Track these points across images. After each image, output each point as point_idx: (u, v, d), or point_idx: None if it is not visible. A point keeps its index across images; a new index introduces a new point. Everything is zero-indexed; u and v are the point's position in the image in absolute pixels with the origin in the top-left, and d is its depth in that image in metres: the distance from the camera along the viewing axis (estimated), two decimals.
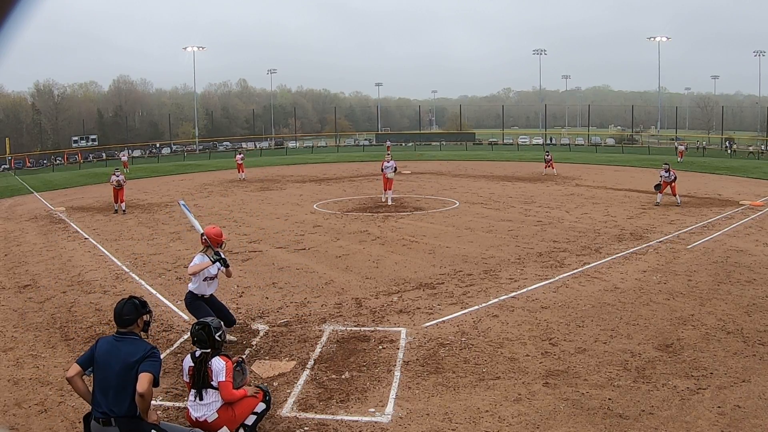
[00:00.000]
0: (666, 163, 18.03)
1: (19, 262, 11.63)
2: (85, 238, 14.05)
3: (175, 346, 6.71)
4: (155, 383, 3.81)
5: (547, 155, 29.80)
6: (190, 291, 6.42)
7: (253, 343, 6.74)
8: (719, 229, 13.32)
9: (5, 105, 74.72)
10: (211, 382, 4.45)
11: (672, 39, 79.94)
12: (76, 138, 69.63)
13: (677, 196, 17.23)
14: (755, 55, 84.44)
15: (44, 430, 4.82)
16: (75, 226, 15.96)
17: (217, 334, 4.57)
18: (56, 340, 7.03)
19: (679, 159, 36.73)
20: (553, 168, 28.53)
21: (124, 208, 18.49)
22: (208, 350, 4.52)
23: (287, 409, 5.11)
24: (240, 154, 31.31)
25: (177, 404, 5.23)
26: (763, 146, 48.76)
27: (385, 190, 18.71)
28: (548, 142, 68.62)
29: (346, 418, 4.93)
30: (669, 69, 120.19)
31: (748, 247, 11.39)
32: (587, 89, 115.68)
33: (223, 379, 4.45)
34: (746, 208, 16.60)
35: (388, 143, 54.64)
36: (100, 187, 29.51)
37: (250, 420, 4.59)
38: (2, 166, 52.57)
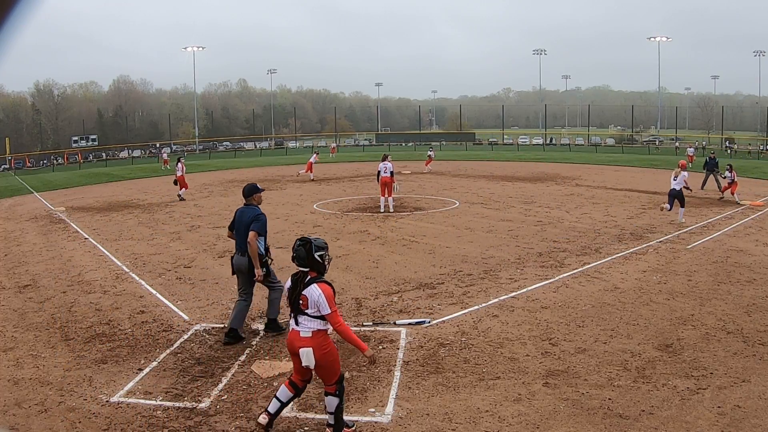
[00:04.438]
0: (729, 164, 18.91)
1: (19, 262, 11.63)
2: (85, 238, 14.05)
3: (175, 346, 6.71)
4: (257, 230, 6.67)
5: (431, 151, 32.51)
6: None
7: (253, 343, 6.74)
8: (719, 229, 13.32)
9: (5, 105, 74.76)
10: (306, 311, 4.30)
11: (672, 39, 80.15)
12: (76, 138, 69.68)
13: (735, 194, 17.90)
14: (755, 55, 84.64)
15: (44, 430, 4.82)
16: (75, 226, 15.96)
17: (317, 254, 4.38)
18: (56, 340, 7.03)
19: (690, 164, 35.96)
20: (428, 165, 30.77)
21: (181, 196, 20.94)
22: (306, 269, 4.37)
23: (287, 409, 5.10)
24: (316, 153, 30.54)
25: (177, 404, 5.22)
26: (762, 146, 48.70)
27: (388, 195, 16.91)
28: (548, 142, 68.68)
29: (346, 418, 4.91)
30: (669, 69, 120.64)
31: (748, 247, 11.39)
32: (587, 89, 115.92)
33: (329, 311, 4.24)
34: (746, 208, 16.60)
35: (333, 145, 55.05)
36: (100, 187, 29.54)
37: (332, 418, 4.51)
38: (2, 166, 52.63)
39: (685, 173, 14.28)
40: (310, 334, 4.32)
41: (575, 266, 9.98)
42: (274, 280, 7.00)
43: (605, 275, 9.39)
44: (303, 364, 4.35)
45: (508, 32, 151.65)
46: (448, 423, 4.80)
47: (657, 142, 63.66)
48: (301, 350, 4.32)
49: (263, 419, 4.58)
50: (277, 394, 4.63)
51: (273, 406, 4.60)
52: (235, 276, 7.09)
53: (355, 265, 10.42)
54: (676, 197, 14.11)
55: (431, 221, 15.20)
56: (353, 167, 35.49)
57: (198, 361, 6.23)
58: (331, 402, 4.49)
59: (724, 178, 18.64)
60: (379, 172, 16.87)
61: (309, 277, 4.39)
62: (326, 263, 4.48)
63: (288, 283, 4.51)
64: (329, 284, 4.41)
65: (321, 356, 4.33)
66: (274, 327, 7.00)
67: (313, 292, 4.29)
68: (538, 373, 5.72)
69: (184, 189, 21.42)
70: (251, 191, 7.05)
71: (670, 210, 14.36)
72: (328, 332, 4.43)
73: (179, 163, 21.72)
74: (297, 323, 4.37)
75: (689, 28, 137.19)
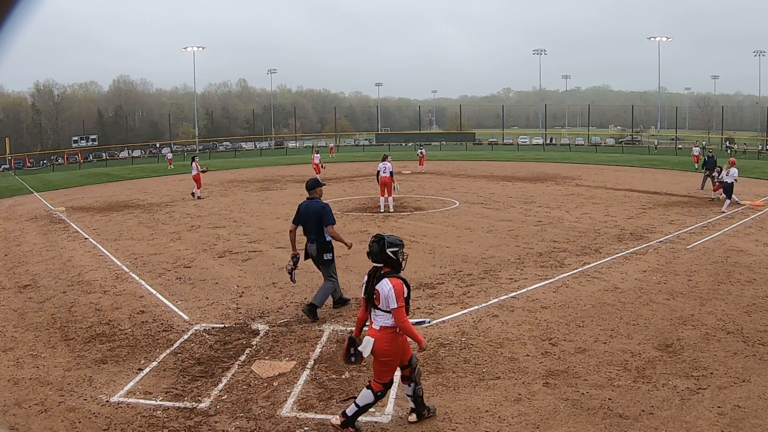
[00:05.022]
0: (719, 166, 19.06)
1: (19, 262, 11.63)
2: (85, 238, 14.05)
3: (175, 346, 6.71)
4: (332, 223, 7.40)
5: (421, 150, 33.09)
6: None
7: (253, 343, 6.73)
8: (719, 229, 13.32)
9: (5, 105, 74.80)
10: (378, 306, 4.50)
11: (672, 39, 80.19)
12: (76, 138, 69.72)
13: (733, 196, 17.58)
14: (755, 55, 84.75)
15: (44, 430, 4.82)
16: (75, 226, 15.96)
17: (389, 250, 4.54)
18: (56, 340, 7.03)
19: (697, 165, 30.57)
20: (422, 165, 31.67)
21: (199, 195, 21.60)
22: (380, 265, 4.56)
23: (287, 409, 5.10)
24: (317, 153, 29.42)
25: (177, 404, 5.22)
26: (761, 146, 48.69)
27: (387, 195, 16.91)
28: (548, 142, 68.70)
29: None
30: (669, 69, 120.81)
31: (748, 247, 11.38)
32: (587, 89, 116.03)
33: (395, 306, 4.42)
34: (746, 208, 16.60)
35: (332, 145, 55.36)
36: (100, 187, 29.54)
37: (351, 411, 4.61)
38: (2, 166, 52.67)
39: (735, 170, 16.43)
40: (378, 328, 4.55)
41: (575, 266, 9.97)
42: (333, 272, 7.65)
43: (605, 275, 9.38)
44: (359, 348, 4.52)
45: (508, 32, 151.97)
46: (448, 423, 4.80)
47: (656, 144, 63.49)
48: (365, 338, 4.52)
49: (413, 418, 4.78)
50: (406, 393, 4.80)
51: (412, 403, 4.78)
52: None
53: (355, 265, 10.41)
54: (728, 189, 16.02)
55: (431, 221, 15.20)
56: (353, 167, 35.47)
57: (198, 361, 6.23)
58: (367, 396, 4.58)
59: (712, 177, 18.64)
60: (378, 172, 16.88)
61: (383, 272, 4.58)
62: (401, 260, 4.64)
63: (365, 279, 4.71)
64: (402, 280, 4.56)
65: (381, 350, 4.51)
66: (311, 313, 7.39)
67: (384, 286, 4.47)
68: (538, 373, 5.71)
69: (197, 189, 21.93)
70: (314, 185, 7.78)
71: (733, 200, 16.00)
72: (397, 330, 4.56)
73: (194, 163, 22.21)
74: (371, 318, 4.59)
75: (689, 28, 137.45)
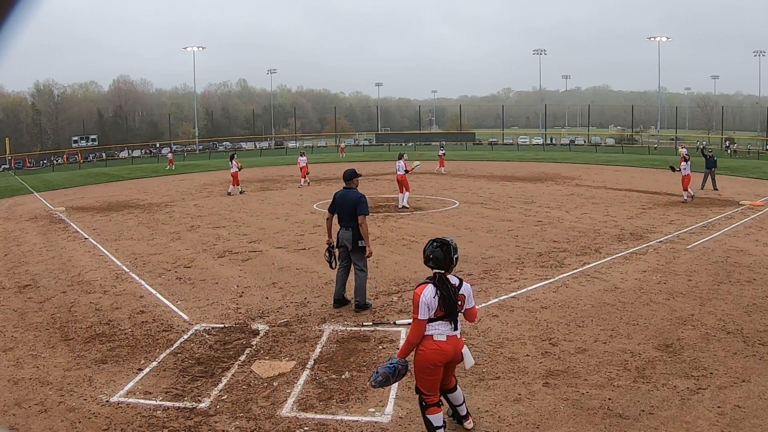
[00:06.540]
0: (686, 155, 18.70)
1: (19, 262, 11.63)
2: (85, 238, 14.05)
3: (175, 346, 6.70)
4: (366, 214, 7.62)
5: (441, 152, 32.68)
6: None
7: (253, 343, 6.73)
8: (719, 229, 13.31)
9: (5, 105, 74.81)
10: (461, 311, 4.42)
11: (672, 39, 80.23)
12: (76, 138, 69.80)
13: (688, 189, 17.75)
14: (755, 55, 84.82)
15: (44, 430, 4.82)
16: (75, 226, 15.96)
17: (455, 256, 4.45)
18: (56, 340, 7.03)
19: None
20: (442, 165, 31.15)
21: (240, 190, 22.72)
22: (442, 271, 4.38)
23: (287, 409, 5.10)
24: (302, 155, 26.84)
25: (177, 404, 5.22)
26: (751, 146, 48.69)
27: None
28: (548, 142, 68.73)
29: (346, 418, 4.93)
30: (669, 69, 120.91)
31: (748, 247, 11.38)
32: (587, 89, 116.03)
33: (473, 304, 4.51)
34: (746, 208, 16.60)
35: (342, 145, 55.27)
36: (100, 187, 29.55)
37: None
38: (2, 166, 52.70)
39: None
40: (459, 335, 4.42)
41: (575, 266, 9.97)
42: (365, 264, 7.78)
43: (605, 275, 9.38)
44: (468, 366, 4.48)
45: (507, 32, 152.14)
46: (447, 423, 4.80)
47: (656, 144, 63.48)
48: (464, 351, 4.43)
49: (469, 424, 4.74)
50: (435, 423, 4.40)
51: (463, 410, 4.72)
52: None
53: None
54: None
55: (431, 221, 15.20)
56: (353, 167, 35.47)
57: (198, 361, 6.23)
58: (459, 395, 4.69)
59: (679, 170, 17.86)
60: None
61: (455, 278, 4.44)
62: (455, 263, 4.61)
63: (429, 290, 4.28)
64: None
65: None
66: (363, 307, 7.75)
67: (467, 288, 4.47)
68: (538, 373, 5.71)
69: (234, 186, 22.64)
70: (352, 175, 8.01)
71: None
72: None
73: (233, 161, 22.92)
74: (456, 327, 4.34)
75: (689, 28, 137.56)
